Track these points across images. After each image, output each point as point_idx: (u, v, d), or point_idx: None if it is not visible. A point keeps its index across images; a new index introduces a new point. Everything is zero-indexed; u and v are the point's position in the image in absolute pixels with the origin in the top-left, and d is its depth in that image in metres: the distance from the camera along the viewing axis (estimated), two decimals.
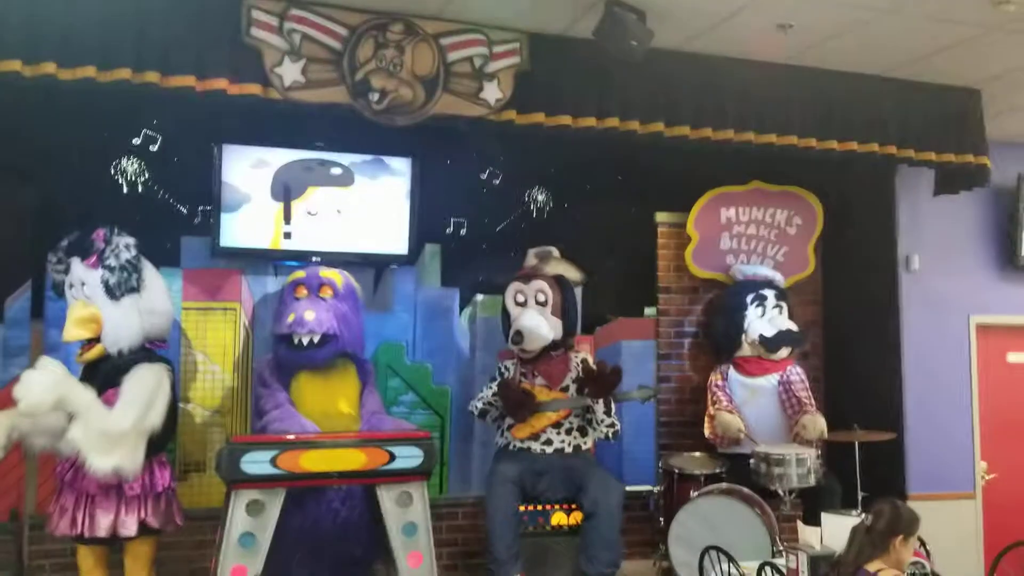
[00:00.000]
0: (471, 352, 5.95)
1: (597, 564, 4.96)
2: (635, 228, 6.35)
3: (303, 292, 4.97)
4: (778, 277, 6.23)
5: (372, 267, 5.70)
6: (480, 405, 5.35)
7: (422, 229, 5.65)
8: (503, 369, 5.45)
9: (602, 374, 5.21)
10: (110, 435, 4.28)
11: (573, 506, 5.24)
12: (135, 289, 4.60)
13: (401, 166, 5.53)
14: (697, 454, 5.90)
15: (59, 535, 4.46)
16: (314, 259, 5.33)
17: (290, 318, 4.85)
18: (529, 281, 5.43)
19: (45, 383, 4.25)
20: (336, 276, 5.07)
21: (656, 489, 5.82)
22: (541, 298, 5.37)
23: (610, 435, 5.29)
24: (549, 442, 5.24)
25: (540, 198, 6.10)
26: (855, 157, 5.53)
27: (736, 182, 6.38)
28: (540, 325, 5.26)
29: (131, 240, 4.65)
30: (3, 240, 5.08)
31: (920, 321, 6.30)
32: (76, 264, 4.59)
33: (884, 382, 6.23)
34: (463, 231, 5.94)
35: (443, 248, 5.91)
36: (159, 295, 4.77)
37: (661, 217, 6.40)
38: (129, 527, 4.39)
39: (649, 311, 6.38)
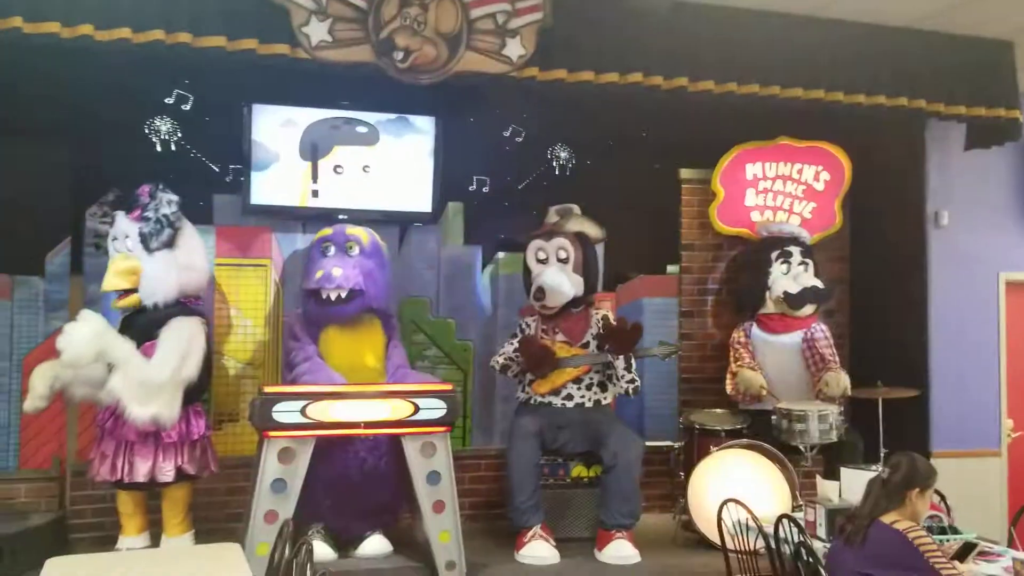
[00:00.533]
0: (493, 308, 6.06)
1: (616, 515, 5.07)
2: (659, 185, 6.36)
3: (330, 249, 5.10)
4: (804, 234, 6.21)
5: (396, 225, 5.82)
6: (502, 360, 5.44)
7: (445, 187, 5.73)
8: (524, 325, 5.53)
9: (622, 330, 5.26)
10: (148, 385, 4.46)
11: (593, 459, 5.35)
12: (168, 244, 4.75)
13: (425, 125, 5.61)
14: (718, 410, 5.96)
15: (100, 481, 4.67)
16: (341, 217, 5.45)
17: (318, 274, 4.98)
18: (551, 238, 5.49)
19: (87, 335, 4.42)
20: (362, 233, 5.18)
21: (677, 444, 5.90)
22: (562, 255, 5.43)
23: (630, 390, 5.37)
24: (569, 397, 5.34)
25: (563, 155, 6.12)
26: (883, 111, 5.48)
27: (762, 138, 6.34)
28: (562, 282, 5.33)
29: (174, 197, 4.80)
30: (43, 198, 5.24)
31: (948, 277, 6.25)
32: (120, 217, 4.76)
33: (910, 339, 6.21)
34: (486, 189, 6.00)
35: (466, 206, 5.99)
36: (196, 252, 4.92)
37: (685, 173, 6.40)
38: (166, 473, 4.58)
39: (672, 268, 6.42)
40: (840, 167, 6.43)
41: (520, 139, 6.03)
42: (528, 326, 5.51)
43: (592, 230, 5.62)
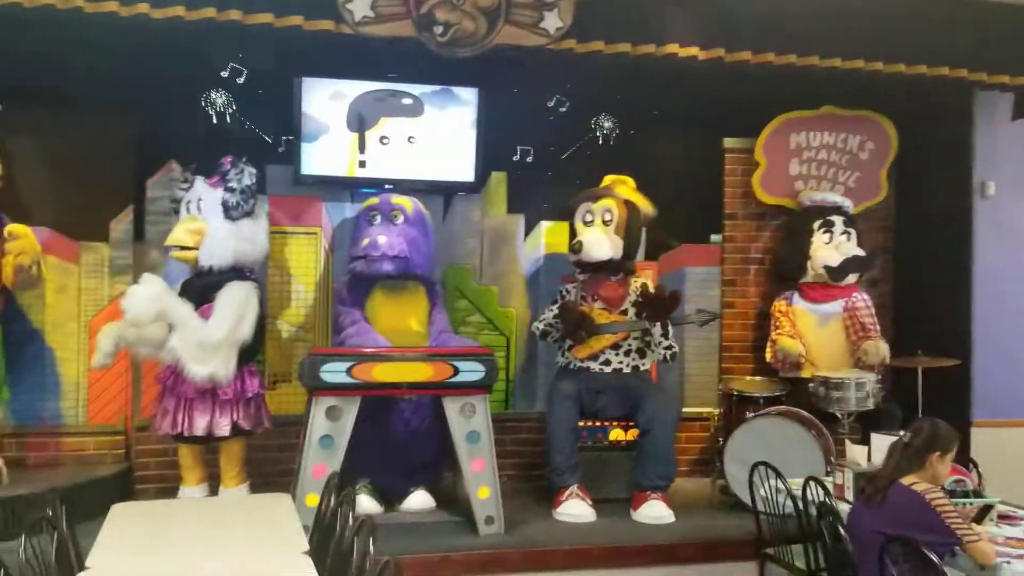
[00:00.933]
0: (535, 276, 6.19)
1: (652, 477, 5.20)
2: (702, 154, 6.39)
3: (376, 217, 5.28)
4: (847, 203, 6.20)
5: (441, 194, 5.97)
6: (542, 326, 5.58)
7: (489, 157, 5.84)
8: (564, 292, 5.65)
9: (660, 298, 5.35)
10: (205, 345, 4.70)
11: (630, 423, 5.47)
12: (250, 213, 5.00)
13: (468, 96, 5.72)
14: (758, 378, 6.04)
15: (162, 434, 4.95)
16: (387, 186, 5.61)
17: (365, 242, 5.17)
18: (598, 200, 5.57)
19: (147, 295, 4.67)
20: (407, 202, 5.35)
21: (716, 411, 5.99)
22: (607, 216, 5.51)
23: (667, 357, 5.47)
24: (608, 362, 5.47)
25: (606, 125, 6.16)
26: (925, 81, 5.43)
27: (807, 107, 6.33)
28: (601, 239, 5.42)
29: (254, 170, 5.03)
30: (107, 168, 5.51)
31: (993, 248, 6.19)
32: (199, 182, 5.01)
33: (953, 309, 6.16)
34: (529, 159, 6.10)
35: (509, 176, 6.11)
36: (259, 228, 5.15)
37: (729, 143, 6.42)
38: (223, 428, 4.83)
39: (715, 238, 6.47)
40: (886, 136, 6.40)
41: (564, 109, 6.09)
42: (568, 292, 5.63)
43: (644, 205, 5.66)
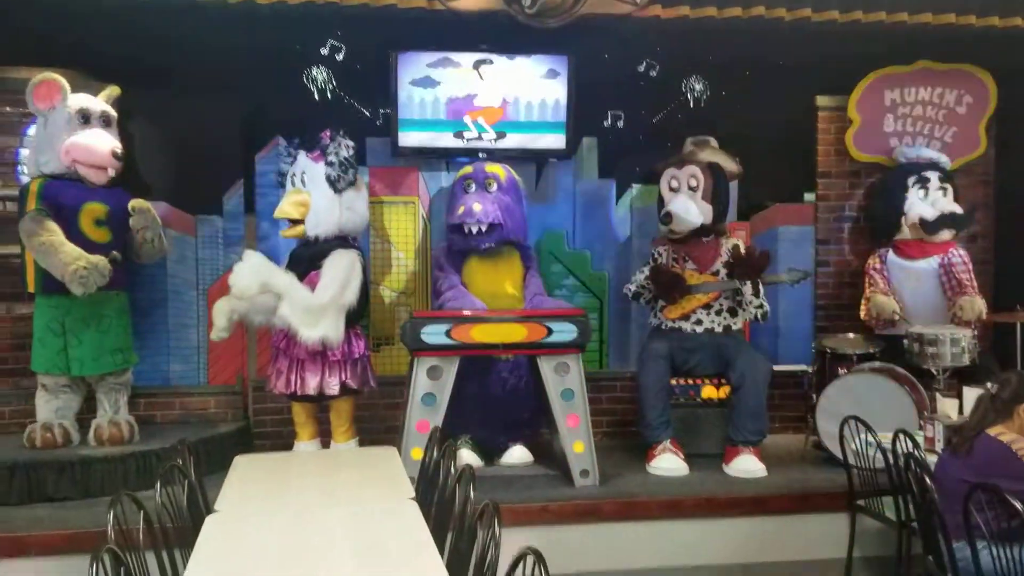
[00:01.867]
0: (627, 239, 6.30)
1: (744, 432, 5.30)
2: (794, 113, 6.34)
3: (471, 186, 5.47)
4: (943, 159, 6.09)
5: (533, 161, 6.11)
6: (634, 288, 5.70)
7: (580, 123, 5.96)
8: (656, 254, 5.74)
9: (751, 258, 5.40)
10: (312, 310, 4.99)
11: (722, 381, 5.57)
12: (352, 183, 5.26)
13: (559, 64, 5.82)
14: (851, 335, 6.01)
15: (277, 393, 5.28)
16: (480, 155, 5.80)
17: (460, 210, 5.37)
18: (683, 167, 5.64)
19: (248, 270, 5.00)
20: (500, 170, 5.52)
21: (810, 368, 6.02)
22: (693, 183, 5.58)
23: (759, 316, 5.52)
24: (699, 322, 5.56)
25: (698, 87, 6.20)
26: (1019, 33, 5.30)
27: (901, 62, 6.22)
28: (689, 208, 5.50)
29: (351, 143, 5.29)
30: (218, 145, 5.82)
31: None
32: (302, 156, 5.28)
33: None
34: (620, 123, 6.18)
35: (600, 141, 6.21)
36: (360, 198, 5.41)
37: (822, 101, 6.37)
38: (333, 387, 5.13)
39: (808, 196, 6.45)
40: (984, 90, 6.25)
41: (654, 73, 6.14)
42: (660, 255, 5.72)
43: (728, 164, 5.69)
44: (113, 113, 5.28)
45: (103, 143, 5.09)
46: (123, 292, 5.29)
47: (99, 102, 5.23)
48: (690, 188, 5.58)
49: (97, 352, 5.09)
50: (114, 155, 5.12)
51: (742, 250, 5.54)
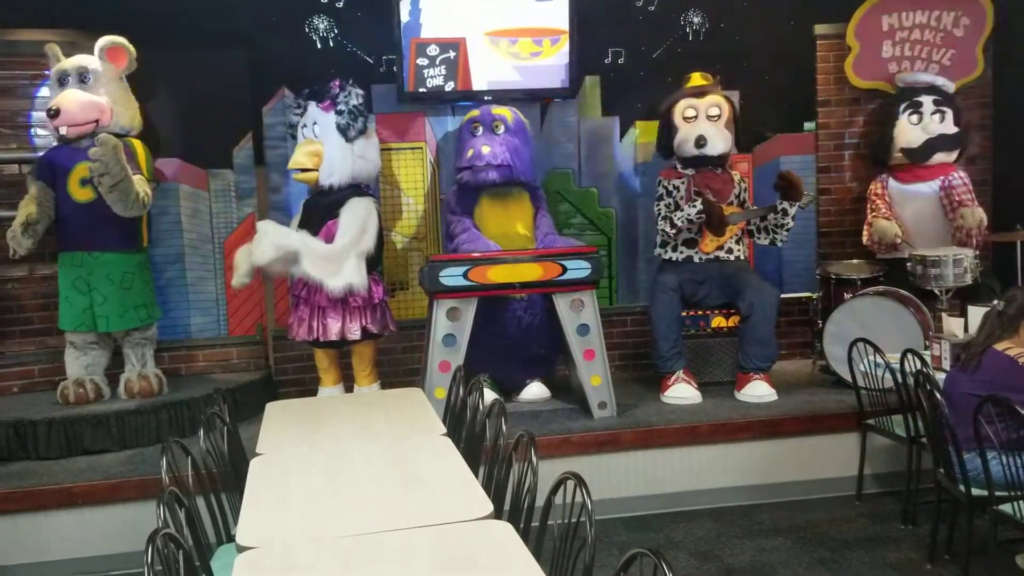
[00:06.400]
0: (632, 175, 6.38)
1: (754, 359, 5.45)
2: (793, 43, 6.37)
3: (479, 129, 5.54)
4: (941, 81, 6.12)
5: (537, 102, 6.16)
6: (680, 224, 5.48)
7: (582, 62, 6.00)
8: (672, 188, 5.67)
9: (797, 180, 5.35)
10: (332, 258, 5.08)
11: (731, 311, 5.70)
12: (363, 131, 5.31)
13: (559, 2, 5.85)
14: (855, 261, 6.16)
15: (300, 340, 5.38)
16: (486, 98, 5.85)
17: (469, 153, 5.44)
18: (703, 96, 5.68)
19: (264, 239, 5.06)
20: (506, 112, 5.57)
21: (815, 295, 6.15)
22: (714, 112, 5.62)
23: (785, 239, 5.58)
24: (731, 251, 5.63)
25: (696, 20, 6.24)
26: None
27: None
28: (718, 134, 5.56)
29: (360, 91, 5.33)
30: (226, 98, 5.83)
31: None
32: (312, 107, 5.31)
33: None
34: (621, 60, 6.22)
35: (602, 79, 6.24)
36: (371, 146, 5.46)
37: (820, 29, 6.38)
38: (354, 332, 5.25)
39: (809, 125, 6.52)
40: (981, 10, 6.27)
41: (652, 7, 6.18)
42: (677, 188, 5.66)
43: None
44: (92, 67, 5.18)
45: (65, 102, 5.03)
46: (139, 251, 5.34)
47: (77, 59, 5.19)
48: (710, 117, 5.62)
49: (122, 308, 5.19)
50: (47, 113, 5.06)
51: (785, 174, 5.44)
